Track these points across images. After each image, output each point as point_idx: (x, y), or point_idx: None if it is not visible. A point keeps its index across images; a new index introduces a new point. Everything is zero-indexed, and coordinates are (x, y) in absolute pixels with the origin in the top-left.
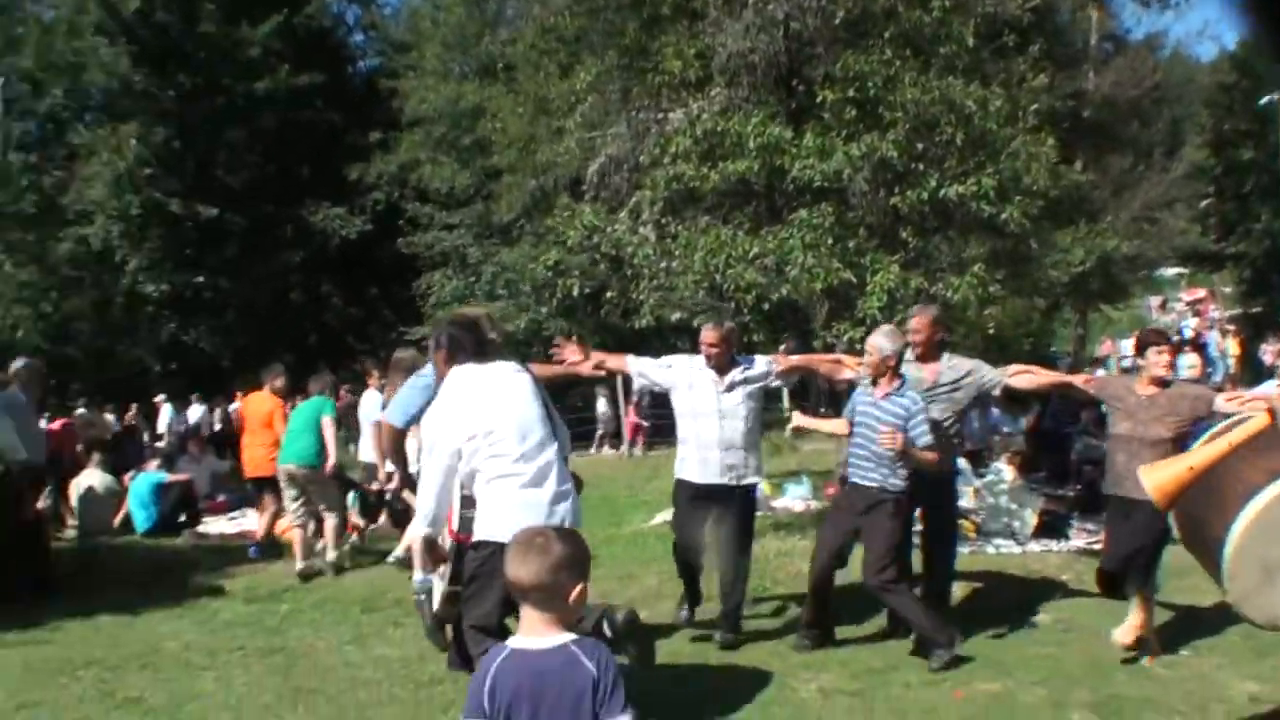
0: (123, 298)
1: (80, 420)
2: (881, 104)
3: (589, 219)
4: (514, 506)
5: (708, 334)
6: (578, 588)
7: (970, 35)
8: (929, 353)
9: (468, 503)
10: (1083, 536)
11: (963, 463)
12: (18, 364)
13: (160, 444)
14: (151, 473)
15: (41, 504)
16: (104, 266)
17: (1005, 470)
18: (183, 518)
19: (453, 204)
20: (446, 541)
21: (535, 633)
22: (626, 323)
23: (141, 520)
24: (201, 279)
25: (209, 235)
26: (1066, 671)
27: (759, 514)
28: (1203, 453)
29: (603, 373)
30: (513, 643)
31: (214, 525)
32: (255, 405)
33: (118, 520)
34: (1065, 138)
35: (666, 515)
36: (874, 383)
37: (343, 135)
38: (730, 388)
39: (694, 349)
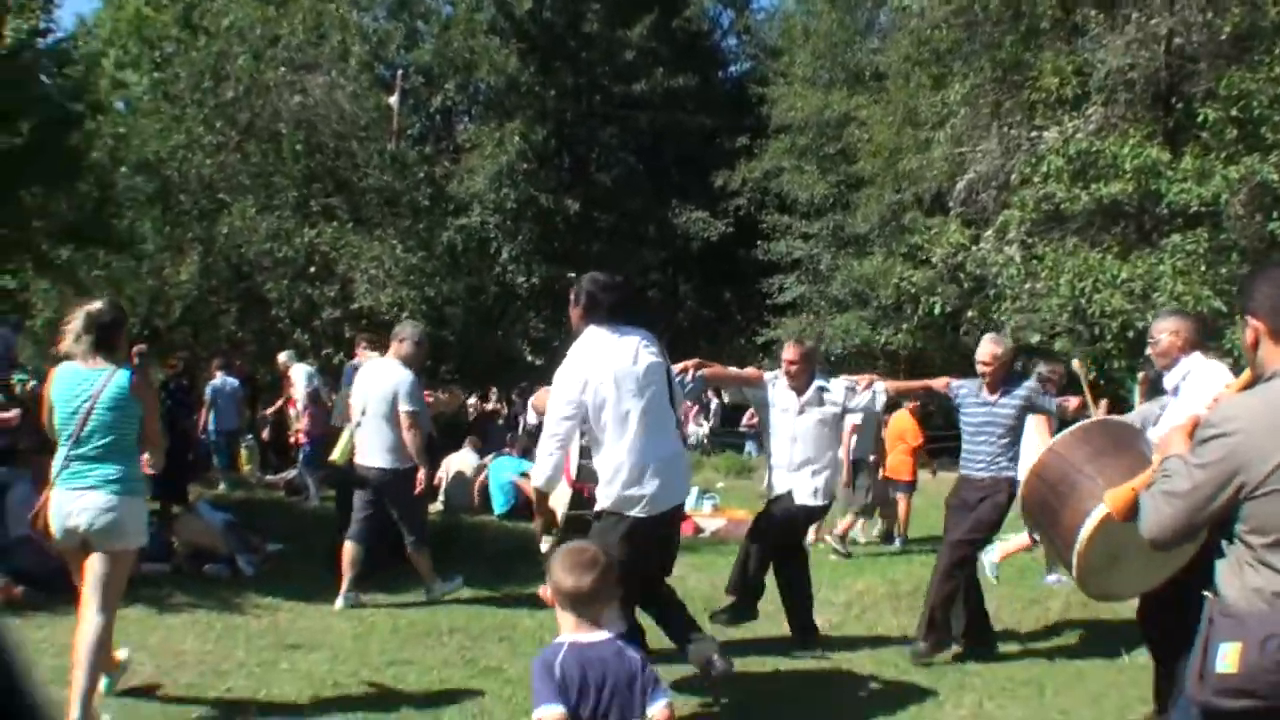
0: (496, 287)
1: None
2: (1265, 124)
3: (955, 237)
4: (641, 476)
5: (789, 350)
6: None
7: None
8: None
9: (585, 452)
10: None
11: None
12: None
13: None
14: (512, 458)
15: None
16: (481, 255)
17: None
18: None
19: (811, 212)
20: (565, 495)
21: (586, 630)
22: None
23: (500, 502)
24: (572, 274)
25: (577, 230)
26: None
27: None
28: (1144, 475)
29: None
30: (567, 638)
31: None
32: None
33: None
34: None
35: None
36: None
37: (711, 139)
38: (803, 409)
39: (1051, 371)
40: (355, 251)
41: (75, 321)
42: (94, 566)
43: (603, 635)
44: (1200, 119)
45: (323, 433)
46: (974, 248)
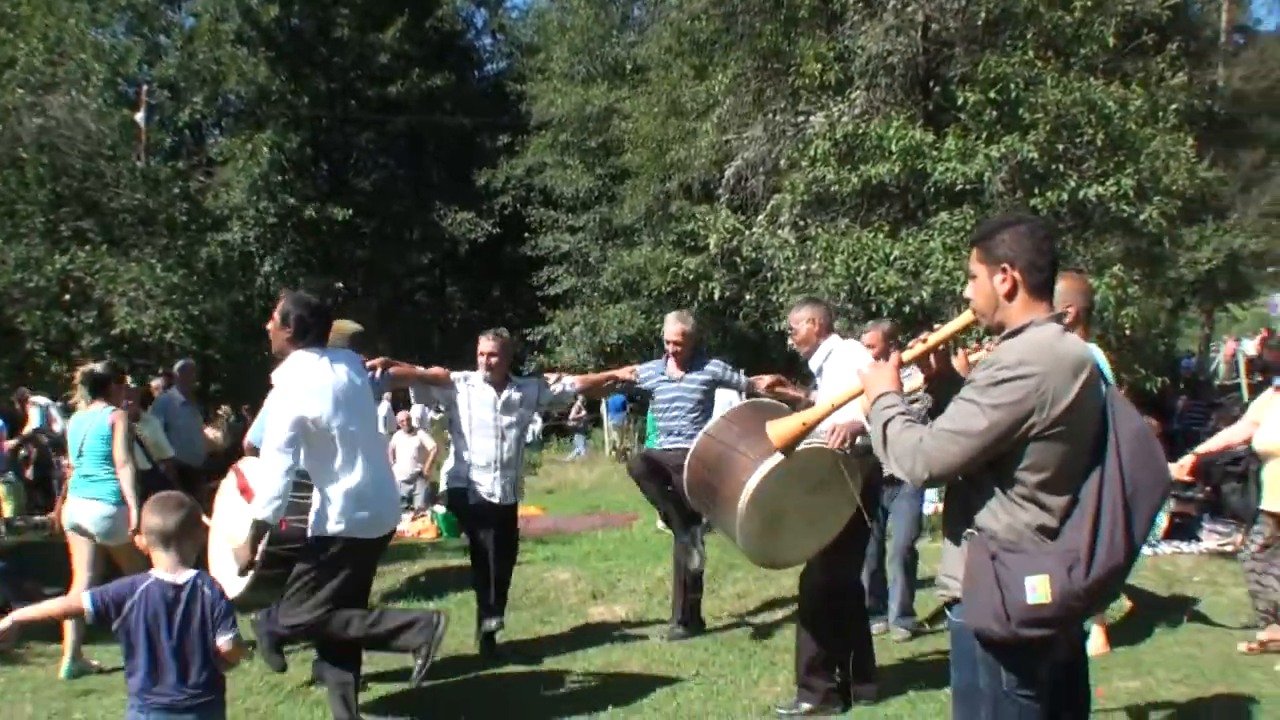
0: (261, 301)
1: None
2: (1022, 105)
3: (729, 222)
4: (357, 501)
5: (486, 343)
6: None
7: (1110, 35)
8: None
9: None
10: (1214, 538)
11: None
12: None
13: None
14: None
15: None
16: (244, 270)
17: None
18: None
19: (577, 206)
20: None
21: (173, 569)
22: (766, 325)
23: None
24: (340, 284)
25: (342, 239)
26: (1204, 670)
27: None
28: (814, 410)
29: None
30: (157, 574)
31: None
32: None
33: None
34: (1198, 134)
35: None
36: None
37: (471, 138)
38: (507, 405)
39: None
40: (112, 275)
41: (78, 377)
42: (85, 553)
43: (188, 575)
44: (959, 101)
45: None
46: (748, 232)
